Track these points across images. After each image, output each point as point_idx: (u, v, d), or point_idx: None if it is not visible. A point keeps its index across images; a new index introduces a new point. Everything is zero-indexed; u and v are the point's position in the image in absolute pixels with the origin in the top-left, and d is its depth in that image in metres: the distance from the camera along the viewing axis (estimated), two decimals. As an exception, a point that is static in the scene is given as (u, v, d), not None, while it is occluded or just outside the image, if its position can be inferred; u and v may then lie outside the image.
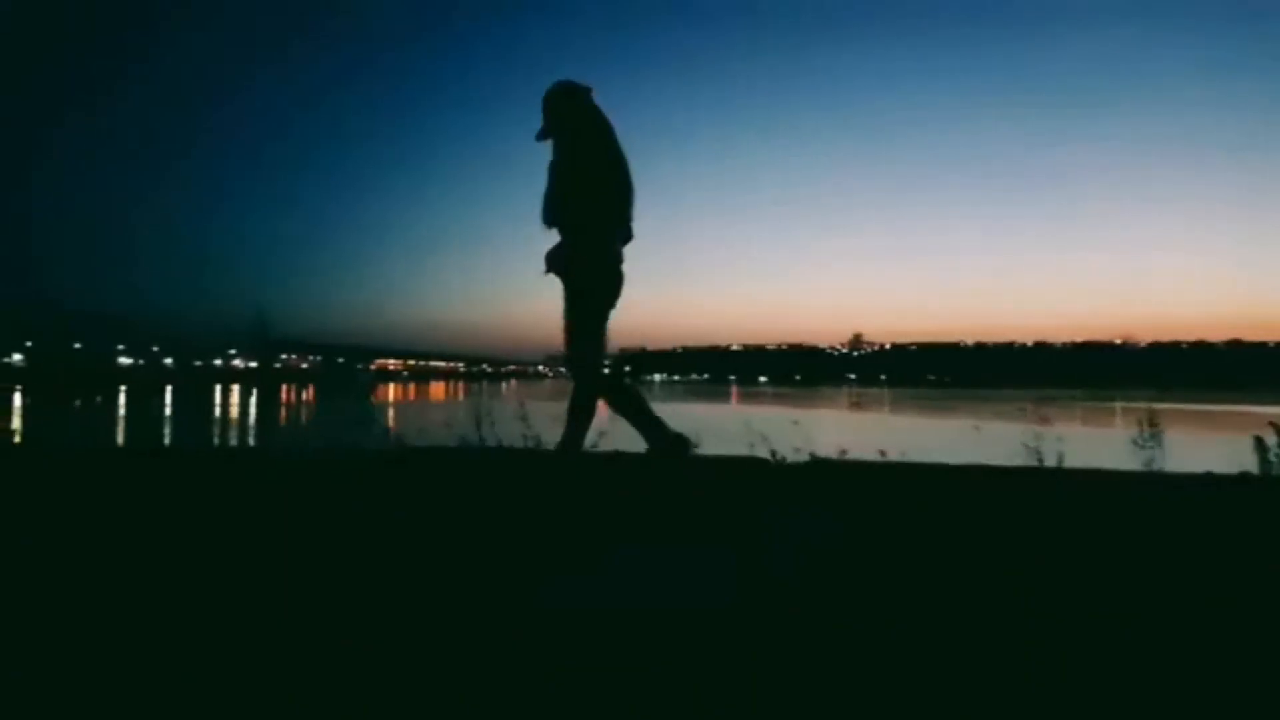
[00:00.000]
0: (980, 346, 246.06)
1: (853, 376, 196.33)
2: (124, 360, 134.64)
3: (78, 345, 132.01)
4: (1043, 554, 2.79)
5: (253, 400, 54.92)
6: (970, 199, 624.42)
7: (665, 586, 2.34)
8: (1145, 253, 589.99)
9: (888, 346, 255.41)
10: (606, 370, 4.39)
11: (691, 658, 1.77)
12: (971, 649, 1.86)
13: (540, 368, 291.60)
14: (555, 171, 4.12)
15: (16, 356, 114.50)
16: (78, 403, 40.96)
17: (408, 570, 2.49)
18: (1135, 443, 6.35)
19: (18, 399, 40.74)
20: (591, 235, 4.09)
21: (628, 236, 4.23)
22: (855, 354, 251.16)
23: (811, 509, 3.61)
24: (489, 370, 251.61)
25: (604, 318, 4.24)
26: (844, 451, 5.44)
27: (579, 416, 4.30)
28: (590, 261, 4.11)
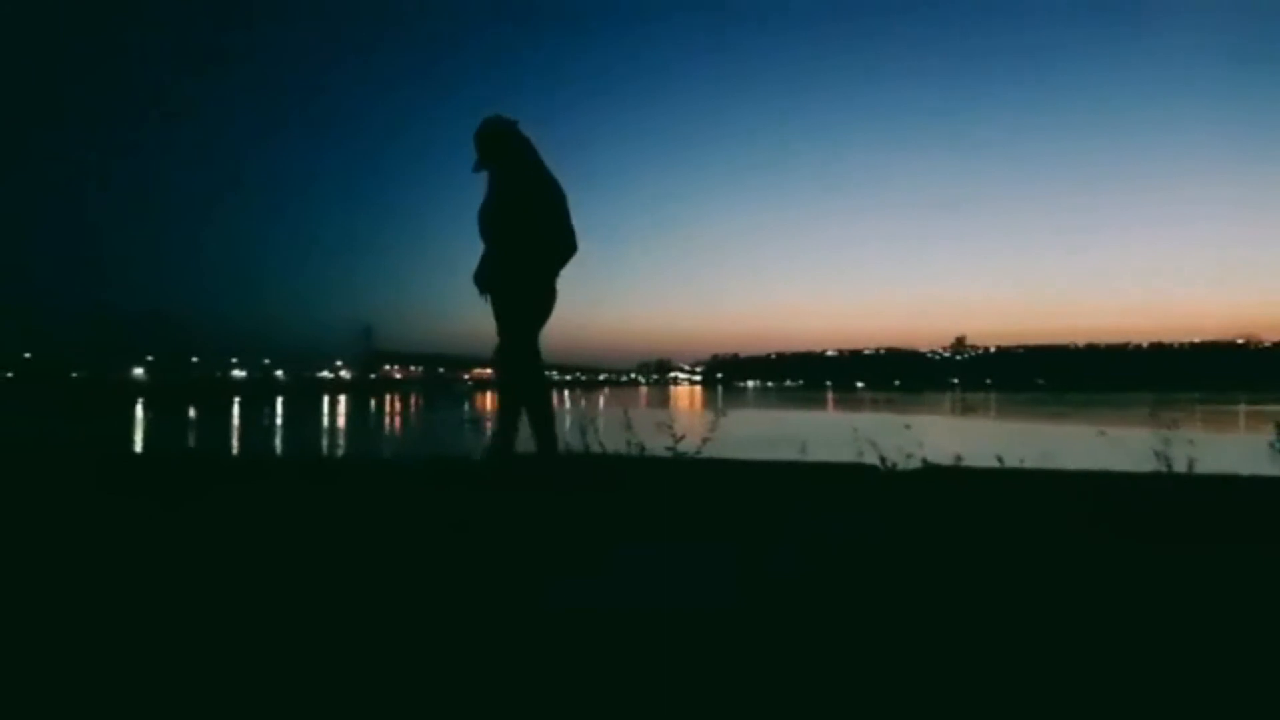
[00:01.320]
0: (1092, 348, 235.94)
1: (956, 381, 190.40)
2: (237, 373, 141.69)
3: (195, 359, 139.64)
4: (1188, 566, 2.63)
5: (363, 409, 56.86)
6: (1077, 194, 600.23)
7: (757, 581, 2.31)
8: (1267, 247, 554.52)
9: (992, 349, 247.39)
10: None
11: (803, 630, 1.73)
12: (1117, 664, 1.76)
13: (633, 375, 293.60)
14: (493, 200, 4.42)
15: (138, 371, 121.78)
16: (194, 413, 43.19)
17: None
18: (1273, 446, 5.99)
19: (139, 411, 43.28)
20: (528, 257, 4.36)
21: (571, 249, 4.48)
22: (958, 358, 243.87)
23: (924, 517, 3.50)
24: (582, 379, 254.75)
25: (537, 328, 4.51)
26: (959, 458, 5.27)
27: (542, 422, 4.47)
28: (527, 281, 4.40)
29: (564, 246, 4.43)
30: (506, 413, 4.56)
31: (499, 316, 4.45)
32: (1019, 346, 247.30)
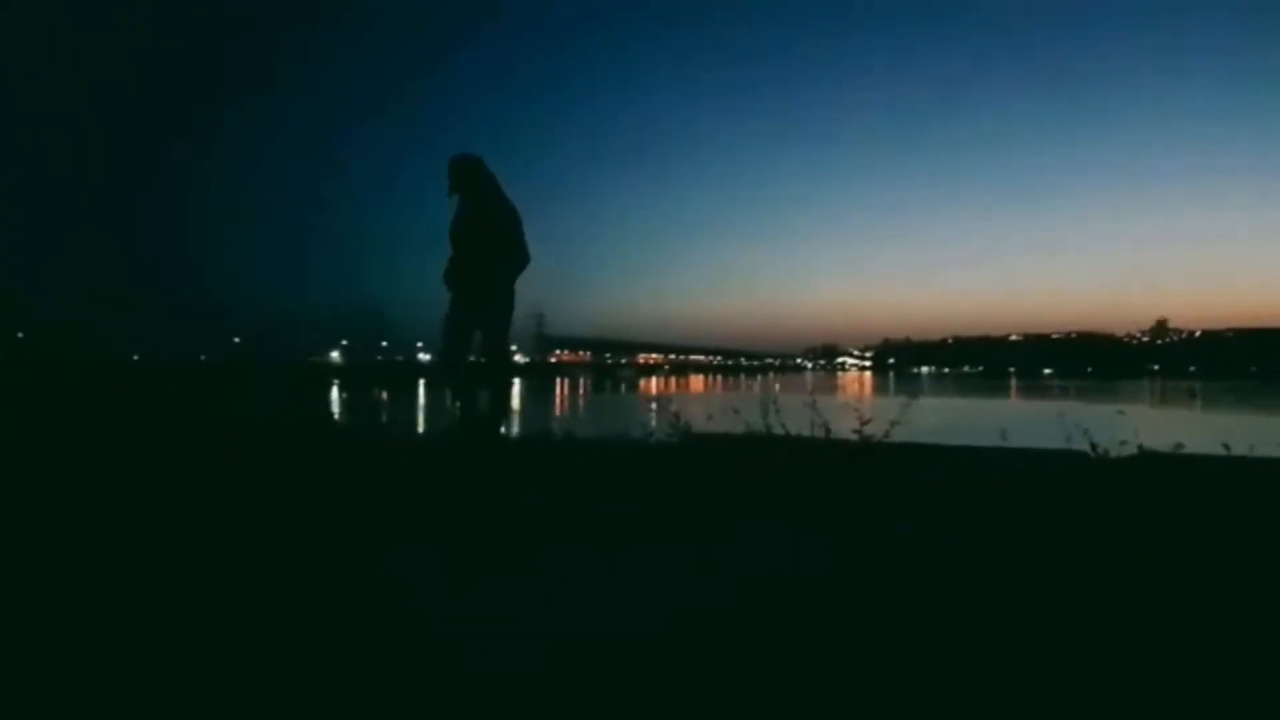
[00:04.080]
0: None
1: (1156, 368, 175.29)
2: (423, 356, 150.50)
3: (385, 343, 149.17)
4: None
5: (535, 391, 59.18)
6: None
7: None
8: None
9: (1197, 334, 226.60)
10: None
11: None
12: None
13: (799, 360, 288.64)
14: (460, 220, 5.37)
15: (334, 354, 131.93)
16: (384, 394, 46.23)
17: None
18: None
19: (335, 392, 47.05)
20: (488, 266, 5.30)
21: (524, 261, 5.48)
22: (1159, 342, 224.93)
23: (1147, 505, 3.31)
24: (747, 364, 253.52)
25: (503, 325, 5.45)
26: (1179, 445, 4.91)
27: (499, 402, 5.54)
28: (487, 286, 5.32)
29: (518, 259, 5.42)
30: (468, 394, 5.51)
31: (464, 314, 5.38)
32: (1228, 330, 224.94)
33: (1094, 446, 4.90)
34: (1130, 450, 4.83)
